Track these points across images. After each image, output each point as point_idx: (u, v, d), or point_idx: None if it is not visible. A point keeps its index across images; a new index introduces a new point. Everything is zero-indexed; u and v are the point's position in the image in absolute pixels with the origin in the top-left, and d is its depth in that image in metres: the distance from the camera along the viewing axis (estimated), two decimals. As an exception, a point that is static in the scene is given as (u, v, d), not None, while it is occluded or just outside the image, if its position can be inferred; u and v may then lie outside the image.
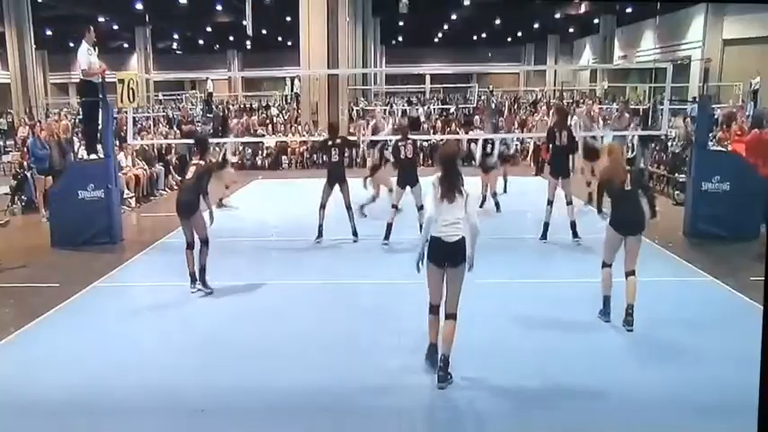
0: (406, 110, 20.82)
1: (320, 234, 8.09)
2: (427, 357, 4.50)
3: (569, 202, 8.00)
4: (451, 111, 20.45)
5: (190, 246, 6.32)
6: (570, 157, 8.62)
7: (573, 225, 7.95)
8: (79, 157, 10.36)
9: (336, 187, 8.04)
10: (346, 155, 9.96)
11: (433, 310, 4.41)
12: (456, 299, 4.27)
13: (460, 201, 4.27)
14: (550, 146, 8.26)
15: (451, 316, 4.28)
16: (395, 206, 8.03)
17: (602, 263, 5.43)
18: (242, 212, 9.74)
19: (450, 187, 4.28)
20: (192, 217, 6.28)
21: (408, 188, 7.86)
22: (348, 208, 8.16)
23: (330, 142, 8.23)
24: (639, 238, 5.31)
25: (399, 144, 7.97)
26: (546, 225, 8.08)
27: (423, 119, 18.38)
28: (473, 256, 4.30)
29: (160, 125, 17.56)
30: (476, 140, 10.42)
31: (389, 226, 7.96)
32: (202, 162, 6.44)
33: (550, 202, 8.02)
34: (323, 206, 8.07)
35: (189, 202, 6.29)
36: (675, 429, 3.86)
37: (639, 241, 5.31)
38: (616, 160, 5.52)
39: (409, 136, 8.16)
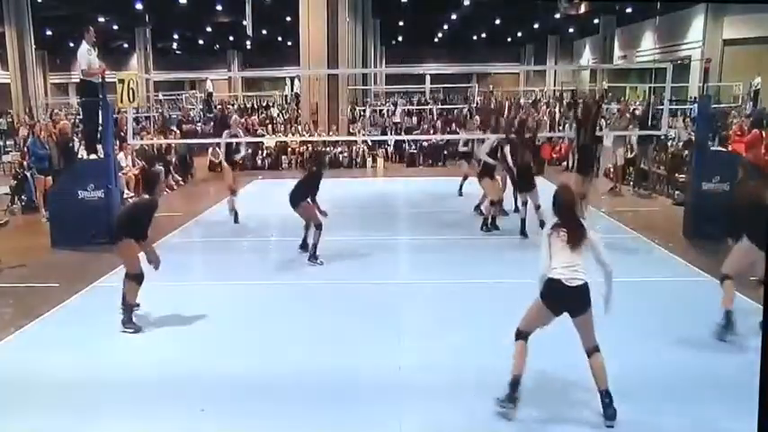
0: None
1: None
2: (509, 393, 3.89)
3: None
4: (464, 110, 20.44)
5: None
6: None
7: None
8: (79, 156, 10.37)
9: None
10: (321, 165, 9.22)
11: (523, 335, 3.94)
12: (592, 336, 3.85)
13: (583, 247, 3.82)
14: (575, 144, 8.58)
15: (594, 349, 3.84)
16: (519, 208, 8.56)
17: (725, 275, 5.09)
18: (242, 212, 9.73)
19: (573, 235, 3.82)
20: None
21: (526, 194, 8.22)
22: (305, 227, 7.83)
23: (314, 168, 7.95)
24: None
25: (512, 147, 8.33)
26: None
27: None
28: (609, 295, 3.85)
29: (157, 125, 17.53)
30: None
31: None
32: (145, 197, 5.66)
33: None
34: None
35: (120, 234, 5.37)
36: (674, 428, 3.86)
37: None
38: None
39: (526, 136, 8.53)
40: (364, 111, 20.64)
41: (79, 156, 10.44)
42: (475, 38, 40.02)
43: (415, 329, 5.32)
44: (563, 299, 3.80)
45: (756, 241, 4.90)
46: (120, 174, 10.10)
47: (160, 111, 20.70)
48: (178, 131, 16.37)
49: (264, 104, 26.47)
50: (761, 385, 1.50)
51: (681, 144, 12.30)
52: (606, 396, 3.82)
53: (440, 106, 21.73)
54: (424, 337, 5.16)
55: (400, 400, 4.17)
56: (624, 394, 3.96)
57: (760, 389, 1.51)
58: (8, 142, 18.89)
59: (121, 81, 8.48)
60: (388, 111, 20.67)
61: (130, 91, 8.54)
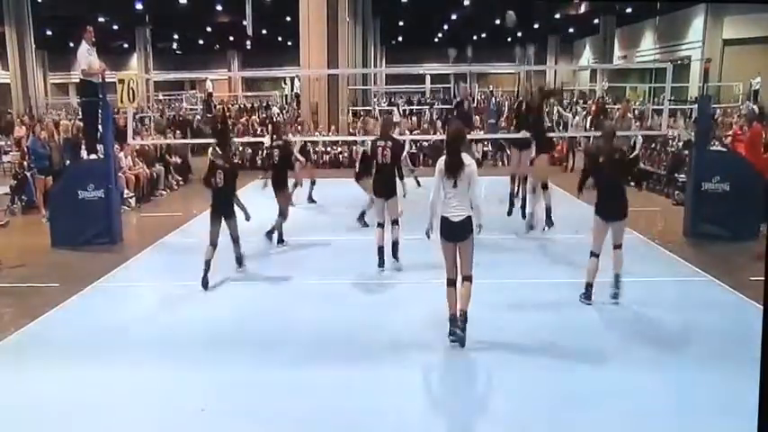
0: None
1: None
2: (452, 327, 4.79)
3: None
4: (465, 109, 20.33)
5: None
6: None
7: None
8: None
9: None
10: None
11: (450, 282, 4.83)
12: (470, 264, 4.82)
13: (464, 183, 4.68)
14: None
15: (468, 278, 4.83)
16: None
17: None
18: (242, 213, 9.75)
19: (455, 171, 4.65)
20: None
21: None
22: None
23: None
24: None
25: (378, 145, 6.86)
26: None
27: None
28: (480, 222, 4.79)
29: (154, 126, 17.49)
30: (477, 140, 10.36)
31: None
32: None
33: None
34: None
35: None
36: (673, 430, 3.86)
37: None
38: None
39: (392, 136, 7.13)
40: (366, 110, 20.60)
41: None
42: (475, 38, 40.00)
43: (416, 328, 5.31)
44: (451, 231, 4.75)
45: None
46: (120, 174, 10.09)
47: (159, 111, 20.70)
48: (179, 132, 16.37)
49: (265, 104, 26.45)
50: (761, 385, 1.50)
51: (681, 144, 12.29)
52: (464, 316, 4.76)
53: (439, 106, 21.69)
54: (420, 334, 5.16)
55: (400, 398, 4.18)
56: (621, 393, 3.94)
57: (760, 389, 1.51)
58: (9, 142, 18.87)
59: (121, 81, 8.48)
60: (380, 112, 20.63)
61: (130, 91, 8.54)
